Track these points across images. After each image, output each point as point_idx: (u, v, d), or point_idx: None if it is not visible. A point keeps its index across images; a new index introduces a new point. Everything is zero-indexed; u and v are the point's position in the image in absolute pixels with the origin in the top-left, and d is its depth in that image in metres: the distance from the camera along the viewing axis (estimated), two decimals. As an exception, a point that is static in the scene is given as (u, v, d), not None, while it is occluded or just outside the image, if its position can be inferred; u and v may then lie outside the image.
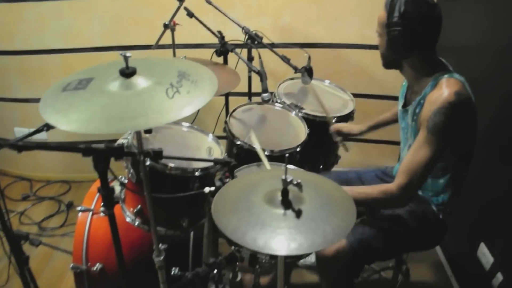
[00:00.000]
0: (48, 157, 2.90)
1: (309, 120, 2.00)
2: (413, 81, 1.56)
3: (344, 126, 1.99)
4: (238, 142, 1.79)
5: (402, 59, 1.51)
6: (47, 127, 1.34)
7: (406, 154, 1.46)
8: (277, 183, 1.10)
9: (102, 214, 1.76)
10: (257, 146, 1.73)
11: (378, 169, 1.88)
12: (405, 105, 1.63)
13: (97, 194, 1.83)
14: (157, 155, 1.28)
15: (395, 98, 1.72)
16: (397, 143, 1.72)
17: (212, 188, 1.39)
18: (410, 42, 1.42)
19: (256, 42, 2.09)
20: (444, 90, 1.40)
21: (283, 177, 1.08)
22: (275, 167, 1.66)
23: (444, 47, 1.56)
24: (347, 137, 2.01)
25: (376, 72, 2.61)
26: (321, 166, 2.12)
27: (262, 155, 1.68)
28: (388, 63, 1.54)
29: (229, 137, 1.86)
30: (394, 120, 1.87)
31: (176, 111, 1.07)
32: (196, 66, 1.27)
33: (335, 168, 2.21)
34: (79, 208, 1.78)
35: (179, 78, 1.16)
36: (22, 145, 1.13)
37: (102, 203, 1.61)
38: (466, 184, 1.58)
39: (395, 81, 1.75)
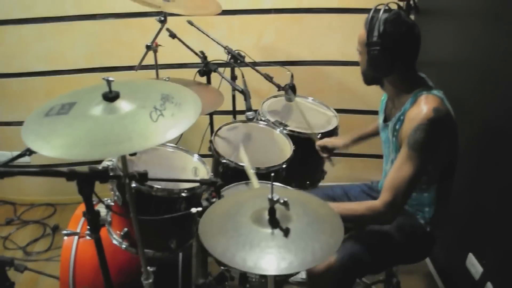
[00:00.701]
0: (32, 179, 2.85)
1: (294, 137, 2.01)
2: (393, 96, 1.59)
3: (329, 142, 2.01)
4: (224, 161, 1.79)
5: (382, 76, 1.54)
6: (30, 151, 1.32)
7: (390, 170, 1.47)
8: (264, 202, 1.10)
9: (88, 237, 1.74)
10: (246, 163, 1.73)
11: (364, 184, 1.89)
12: (385, 120, 1.66)
13: (83, 217, 1.81)
14: (142, 177, 1.28)
15: (378, 112, 1.75)
16: (381, 157, 1.73)
17: (199, 209, 1.38)
18: (389, 61, 1.45)
19: (238, 61, 2.11)
20: (423, 107, 1.42)
21: (270, 196, 1.08)
22: (261, 185, 1.66)
23: (424, 63, 1.60)
24: (333, 152, 2.03)
25: (358, 88, 2.65)
26: (308, 182, 2.13)
27: (250, 173, 1.68)
28: (369, 80, 1.57)
29: (214, 156, 1.86)
30: (377, 133, 1.90)
31: (161, 135, 1.07)
32: (180, 89, 1.28)
33: (322, 183, 2.21)
34: (64, 231, 1.75)
35: (163, 101, 1.17)
36: (4, 171, 1.12)
37: (88, 227, 1.59)
38: (452, 195, 1.60)
39: (377, 95, 1.78)
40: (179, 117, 1.13)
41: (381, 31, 1.42)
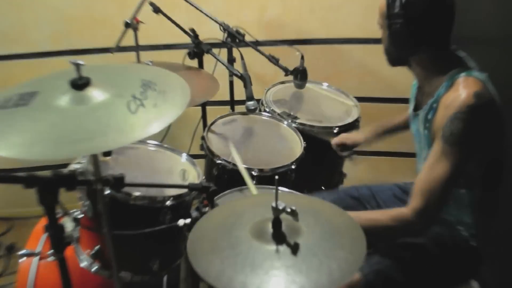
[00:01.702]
0: (-17, 188, 2.86)
1: (305, 132, 2.02)
2: (423, 81, 1.58)
3: (347, 138, 2.01)
4: (219, 162, 1.79)
5: (408, 56, 1.53)
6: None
7: (421, 170, 1.46)
8: (267, 211, 1.10)
9: (51, 258, 1.73)
10: (239, 165, 1.73)
11: (395, 186, 1.89)
12: (416, 109, 1.65)
13: (45, 234, 1.80)
14: (119, 182, 1.27)
15: (409, 101, 1.74)
16: (415, 155, 1.73)
17: (188, 221, 1.38)
18: (415, 36, 1.44)
19: (237, 41, 2.11)
20: (461, 91, 1.41)
21: (274, 203, 1.08)
22: (265, 191, 1.66)
23: (462, 39, 1.58)
24: (353, 149, 2.02)
25: (383, 71, 2.64)
26: (323, 188, 2.13)
27: (245, 176, 1.68)
28: (394, 60, 1.56)
29: (207, 156, 1.87)
30: (408, 125, 1.89)
31: (141, 129, 1.08)
32: (165, 74, 1.28)
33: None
34: (21, 252, 1.75)
35: (144, 89, 1.17)
36: None
37: (50, 245, 1.58)
38: (501, 201, 1.59)
39: (407, 79, 1.77)
40: (164, 108, 1.13)
41: (403, 0, 1.41)
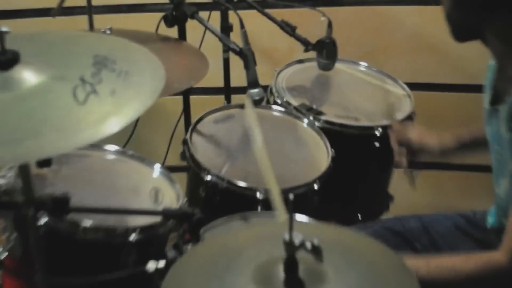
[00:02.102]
0: None
1: (334, 134, 2.02)
2: (505, 60, 1.57)
3: (416, 136, 1.96)
4: (208, 178, 1.79)
5: (480, 24, 1.53)
6: None
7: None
8: (277, 248, 1.09)
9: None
10: (269, 175, 1.70)
11: (459, 215, 1.89)
12: (494, 101, 1.65)
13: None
14: (61, 205, 1.28)
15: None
16: (489, 169, 1.72)
17: (161, 264, 1.38)
18: None
19: (235, 0, 2.12)
20: None
21: (287, 236, 1.07)
22: (271, 219, 1.67)
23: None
24: (415, 157, 2.00)
25: (447, 46, 2.63)
26: (359, 215, 2.13)
27: (275, 195, 1.67)
28: (459, 32, 1.56)
29: (191, 169, 1.87)
30: None
31: (93, 127, 1.08)
32: (128, 47, 1.28)
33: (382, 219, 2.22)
34: None
35: (97, 68, 1.17)
36: None
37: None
38: None
39: (481, 59, 1.77)
40: (126, 97, 1.14)
41: None
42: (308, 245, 1.08)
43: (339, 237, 1.22)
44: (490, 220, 1.81)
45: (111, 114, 1.10)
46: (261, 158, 1.74)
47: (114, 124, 1.08)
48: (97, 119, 1.09)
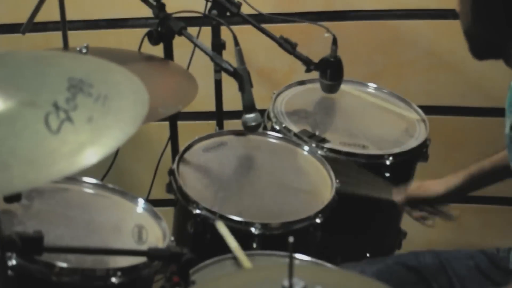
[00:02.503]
0: None
1: (339, 163, 2.02)
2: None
3: (420, 190, 2.00)
4: (198, 211, 1.80)
5: (502, 41, 1.54)
6: None
7: None
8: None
9: None
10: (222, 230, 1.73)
11: (480, 252, 1.89)
12: (516, 127, 1.65)
13: None
14: (33, 245, 1.27)
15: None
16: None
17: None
18: None
19: (228, 14, 2.13)
20: None
21: (286, 282, 1.08)
22: (271, 261, 1.66)
23: None
24: (427, 206, 2.02)
25: (467, 65, 2.65)
26: (368, 255, 2.13)
27: (229, 240, 1.69)
28: (479, 49, 1.58)
29: (178, 202, 1.87)
30: None
31: (67, 159, 1.07)
32: (106, 68, 1.28)
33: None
34: None
35: (72, 93, 1.17)
36: None
37: None
38: None
39: (505, 80, 1.78)
40: (104, 125, 1.14)
41: None
42: (309, 291, 1.08)
43: (344, 282, 1.22)
44: (514, 259, 1.82)
45: (88, 144, 1.09)
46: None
47: (92, 155, 1.08)
48: (72, 149, 1.08)
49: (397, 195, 2.02)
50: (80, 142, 1.10)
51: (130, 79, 1.25)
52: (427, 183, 2.02)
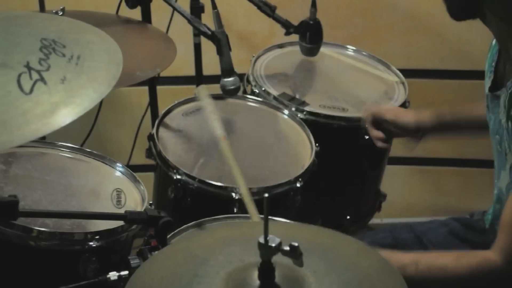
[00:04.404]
0: None
1: (319, 126, 2.03)
2: (504, 40, 1.58)
3: (390, 114, 2.00)
4: (178, 177, 1.79)
5: (479, 1, 1.53)
6: None
7: (507, 189, 1.49)
8: (251, 252, 1.09)
9: None
10: (238, 177, 1.72)
11: (454, 220, 1.91)
12: (495, 87, 1.65)
13: None
14: (9, 209, 1.27)
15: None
16: (491, 164, 1.73)
17: (125, 273, 1.38)
18: None
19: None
20: None
21: (261, 239, 1.07)
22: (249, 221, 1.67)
23: None
24: (394, 137, 2.04)
25: (446, 27, 2.66)
26: (348, 217, 2.14)
27: (246, 198, 1.69)
28: (457, 8, 1.57)
29: (158, 167, 1.87)
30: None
31: (40, 120, 1.07)
32: (81, 29, 1.27)
33: (376, 220, 2.24)
34: None
35: (45, 53, 1.16)
36: None
37: None
38: None
39: (484, 42, 1.78)
40: (78, 85, 1.13)
41: None
42: (286, 247, 1.08)
43: (319, 238, 1.23)
44: (488, 221, 1.82)
45: (61, 105, 1.09)
46: (227, 155, 1.76)
47: (65, 116, 1.08)
48: (46, 110, 1.08)
49: (366, 111, 2.04)
50: (54, 102, 1.10)
51: (104, 39, 1.25)
52: (399, 109, 2.05)
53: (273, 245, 1.08)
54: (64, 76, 1.13)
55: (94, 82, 1.14)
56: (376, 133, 2.01)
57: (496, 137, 1.64)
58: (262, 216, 1.68)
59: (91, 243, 1.51)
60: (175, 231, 1.62)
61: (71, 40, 1.22)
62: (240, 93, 2.06)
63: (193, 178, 1.78)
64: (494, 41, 1.71)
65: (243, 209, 1.73)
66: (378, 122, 2.01)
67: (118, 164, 1.78)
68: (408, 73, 2.32)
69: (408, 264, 1.41)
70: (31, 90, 1.10)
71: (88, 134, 2.34)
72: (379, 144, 2.02)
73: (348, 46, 2.40)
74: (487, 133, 1.77)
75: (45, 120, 1.07)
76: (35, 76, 1.12)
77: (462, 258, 1.49)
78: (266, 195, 1.09)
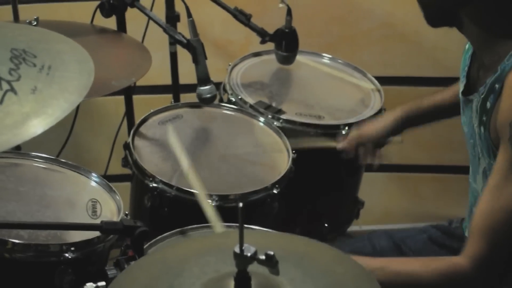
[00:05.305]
0: None
1: (296, 134, 2.02)
2: (480, 47, 1.60)
3: (361, 134, 2.03)
4: (154, 185, 1.78)
5: (456, 7, 1.54)
6: None
7: (480, 196, 1.49)
8: (227, 262, 1.09)
9: None
10: (194, 181, 1.72)
11: (432, 227, 1.92)
12: (468, 91, 1.66)
13: None
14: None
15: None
16: (467, 169, 1.74)
17: (102, 284, 1.37)
18: None
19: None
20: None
21: (237, 248, 1.07)
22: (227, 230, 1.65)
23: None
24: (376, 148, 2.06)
25: (422, 35, 2.67)
26: (326, 225, 2.15)
27: (204, 203, 1.68)
28: (434, 16, 1.58)
29: (135, 176, 1.86)
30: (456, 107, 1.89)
31: (11, 130, 1.07)
32: (54, 40, 1.26)
33: (354, 227, 2.25)
34: None
35: (15, 63, 1.16)
36: None
37: None
38: None
39: (459, 49, 1.79)
40: (49, 95, 1.13)
41: None
42: (262, 256, 1.07)
43: (294, 246, 1.22)
44: (466, 228, 1.83)
45: (32, 115, 1.09)
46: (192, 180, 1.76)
47: (37, 127, 1.07)
48: (16, 121, 1.08)
49: (342, 144, 2.04)
50: (24, 113, 1.09)
51: (75, 49, 1.25)
52: (365, 125, 2.07)
53: (249, 254, 1.08)
54: (35, 86, 1.13)
55: (65, 92, 1.13)
56: (357, 158, 2.05)
57: (471, 141, 1.66)
58: (235, 224, 1.68)
59: (66, 255, 1.50)
60: (154, 240, 1.62)
61: (42, 49, 1.21)
62: (216, 101, 2.06)
63: (171, 186, 1.78)
64: (467, 45, 1.73)
65: (220, 217, 1.72)
66: (356, 143, 2.04)
67: (93, 174, 1.77)
68: (384, 80, 2.33)
69: (376, 269, 1.40)
70: (1, 101, 1.09)
71: (64, 144, 2.33)
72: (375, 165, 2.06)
73: (324, 54, 2.41)
74: (457, 112, 1.81)
75: (16, 130, 1.07)
76: (5, 86, 1.11)
77: (430, 264, 1.49)
78: (241, 204, 1.08)
